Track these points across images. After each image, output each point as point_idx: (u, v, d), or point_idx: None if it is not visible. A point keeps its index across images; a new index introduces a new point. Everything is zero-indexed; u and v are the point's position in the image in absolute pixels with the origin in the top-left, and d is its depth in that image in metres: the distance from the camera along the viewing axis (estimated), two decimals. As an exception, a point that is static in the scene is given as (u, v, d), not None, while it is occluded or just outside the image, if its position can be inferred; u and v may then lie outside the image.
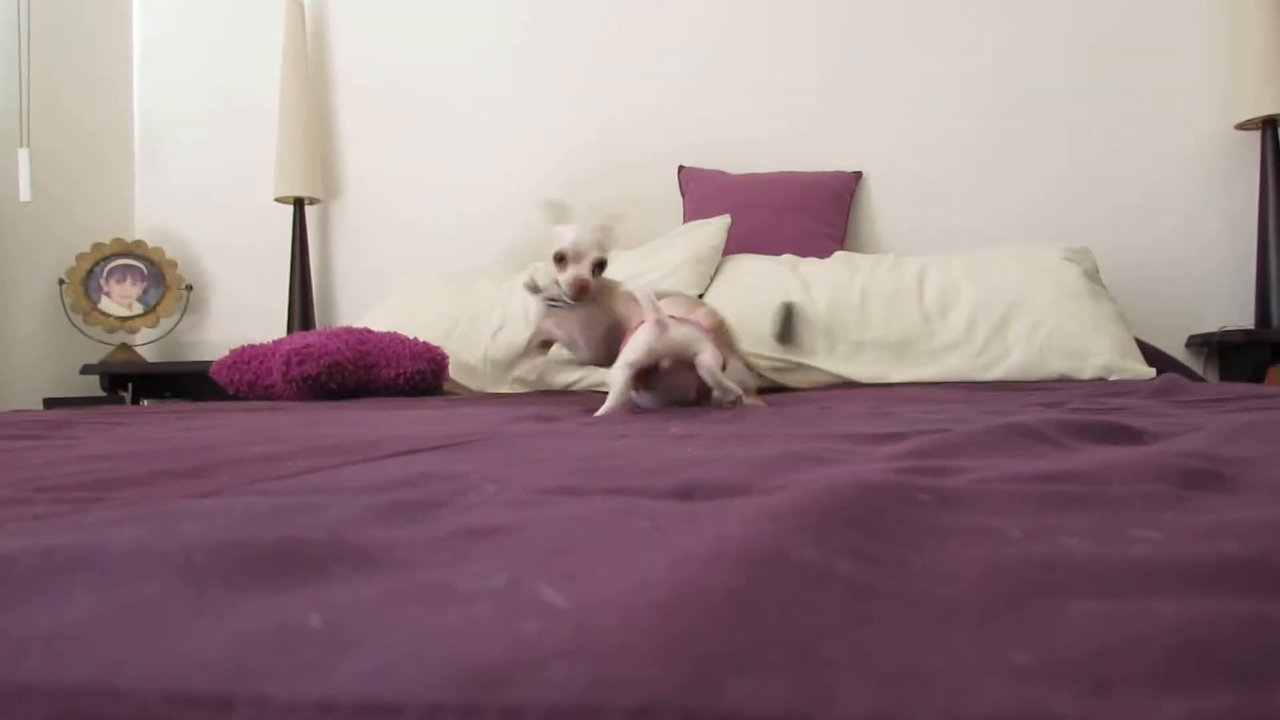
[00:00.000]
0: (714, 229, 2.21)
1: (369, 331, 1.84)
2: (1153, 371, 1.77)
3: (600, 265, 1.47)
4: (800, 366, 1.88)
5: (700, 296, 2.10)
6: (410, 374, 1.78)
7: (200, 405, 1.60)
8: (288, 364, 1.68)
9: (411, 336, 1.87)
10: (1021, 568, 0.25)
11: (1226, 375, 2.25)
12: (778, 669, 0.18)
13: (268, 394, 1.78)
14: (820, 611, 0.21)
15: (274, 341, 1.86)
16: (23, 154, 2.36)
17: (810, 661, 0.18)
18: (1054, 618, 0.22)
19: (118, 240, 2.65)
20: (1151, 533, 0.30)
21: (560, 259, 1.45)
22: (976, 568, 0.25)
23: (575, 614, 0.20)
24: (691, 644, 0.18)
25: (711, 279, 2.15)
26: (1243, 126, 2.25)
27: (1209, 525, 0.30)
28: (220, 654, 0.18)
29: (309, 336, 1.78)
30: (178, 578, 0.24)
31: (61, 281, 2.56)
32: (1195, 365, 2.27)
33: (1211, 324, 2.25)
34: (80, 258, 2.59)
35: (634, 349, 1.19)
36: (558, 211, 1.48)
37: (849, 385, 1.83)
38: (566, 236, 1.45)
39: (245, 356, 1.83)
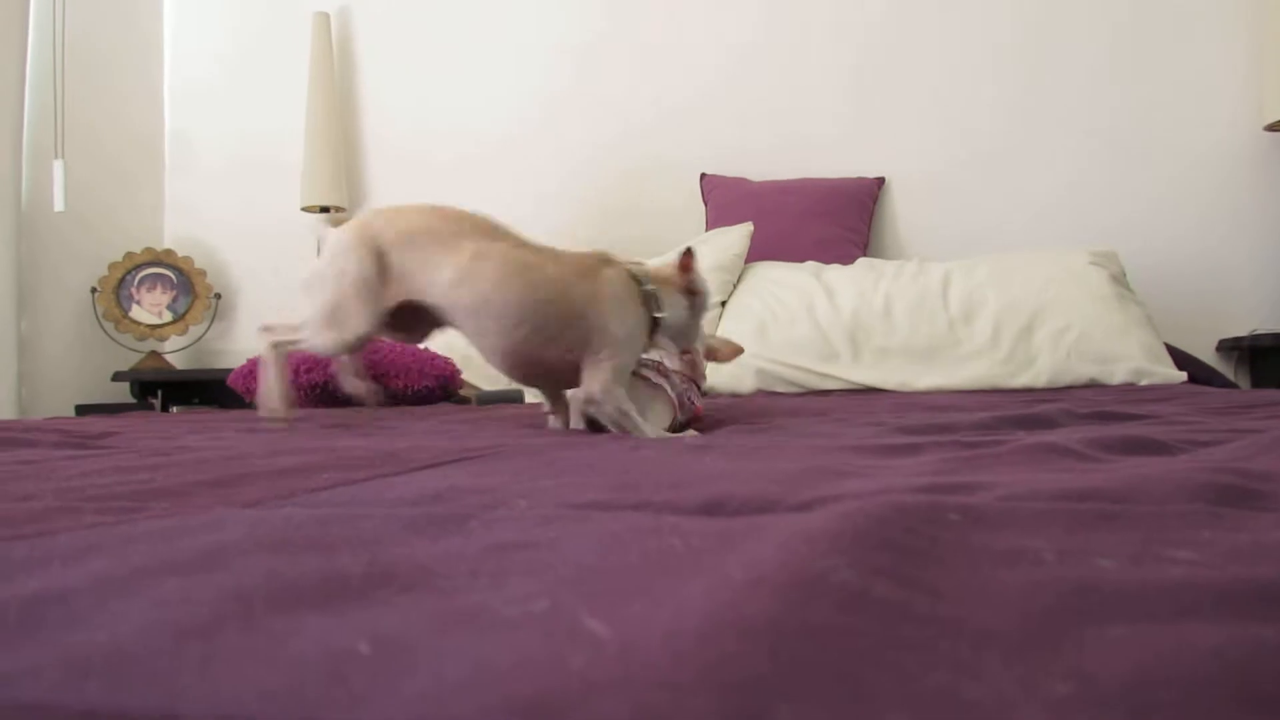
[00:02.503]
0: (737, 236, 2.21)
1: (382, 341, 1.85)
2: (1184, 376, 1.75)
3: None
4: (825, 375, 1.88)
5: (723, 304, 2.11)
6: (418, 388, 1.81)
7: (225, 414, 1.62)
8: (296, 372, 1.71)
9: (423, 348, 1.88)
10: (1056, 591, 0.25)
11: (1259, 379, 2.22)
12: (820, 697, 0.18)
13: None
14: (859, 636, 0.21)
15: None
16: (57, 166, 2.41)
17: (851, 688, 0.19)
18: (1090, 644, 0.22)
19: (148, 250, 2.69)
20: (1186, 553, 0.30)
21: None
22: (1011, 591, 0.25)
23: (619, 643, 0.20)
24: (734, 673, 0.18)
25: (735, 286, 2.15)
26: (1271, 128, 2.23)
27: (1245, 546, 0.30)
28: (277, 682, 0.19)
29: None
30: (228, 599, 0.25)
31: (94, 290, 2.61)
32: (1226, 370, 2.24)
33: (1243, 327, 2.22)
34: (112, 267, 2.63)
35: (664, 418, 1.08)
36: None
37: (872, 391, 1.82)
38: None
39: (261, 365, 1.86)
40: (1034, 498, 0.40)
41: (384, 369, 1.78)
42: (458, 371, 1.89)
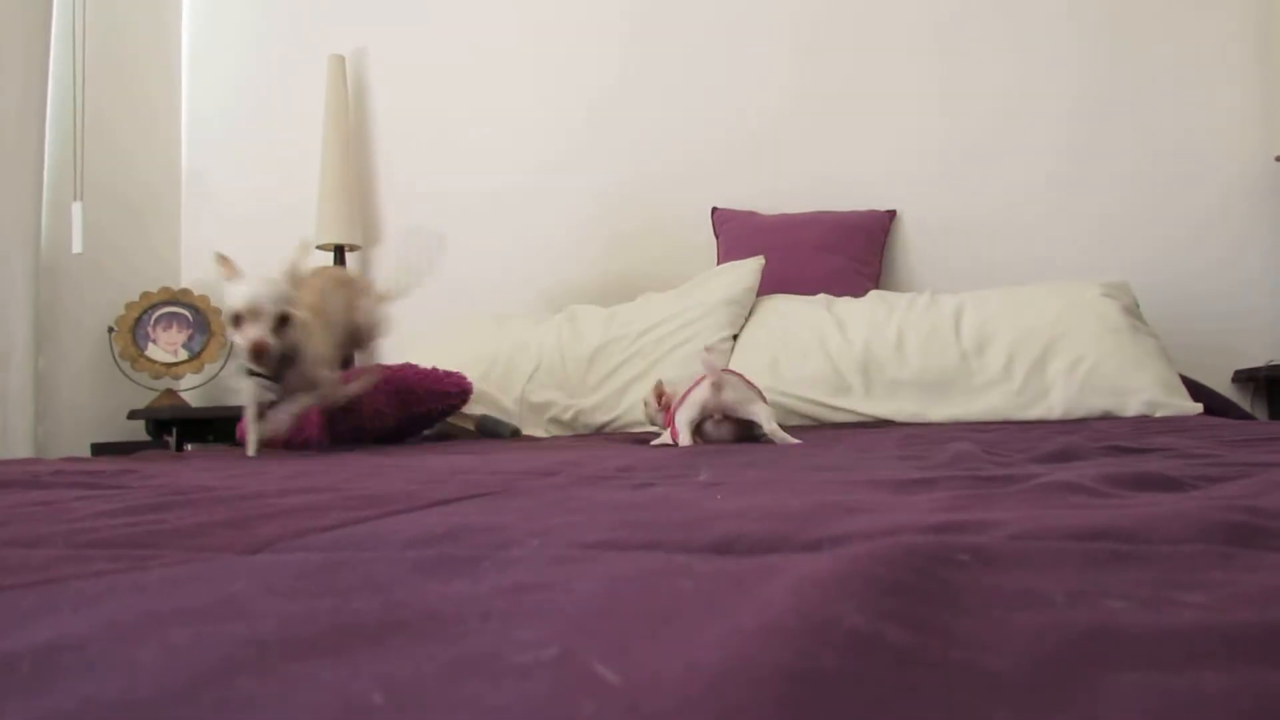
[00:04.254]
0: (748, 270, 2.22)
1: (409, 365, 1.90)
2: (1199, 408, 1.74)
3: (284, 320, 1.34)
4: (838, 408, 1.88)
5: (735, 338, 2.11)
6: (442, 408, 1.85)
7: (238, 451, 1.62)
8: (331, 416, 1.71)
9: (430, 366, 1.92)
10: (1068, 636, 0.25)
11: (1276, 410, 2.20)
12: (827, 748, 0.18)
13: (304, 442, 1.81)
14: (870, 684, 0.21)
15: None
16: (76, 207, 2.45)
17: (859, 739, 0.19)
18: (1102, 691, 0.22)
19: (165, 289, 2.73)
20: (1198, 596, 0.29)
21: (236, 320, 1.34)
22: (1022, 636, 0.25)
23: (629, 693, 0.20)
24: (743, 724, 0.18)
25: (746, 320, 2.15)
26: (1282, 158, 2.23)
27: (1257, 588, 0.30)
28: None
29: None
30: (242, 647, 0.25)
31: (111, 329, 2.63)
32: (1242, 401, 2.22)
33: (1259, 358, 2.21)
34: (129, 306, 2.66)
35: (690, 407, 1.37)
36: (228, 267, 1.36)
37: (885, 424, 1.82)
38: (239, 293, 1.32)
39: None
40: (1045, 536, 0.40)
41: (409, 390, 1.81)
42: (470, 385, 1.94)
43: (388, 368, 1.86)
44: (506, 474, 0.92)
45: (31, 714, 0.22)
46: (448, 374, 1.90)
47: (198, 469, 1.14)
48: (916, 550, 0.34)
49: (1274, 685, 0.21)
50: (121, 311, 2.65)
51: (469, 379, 1.94)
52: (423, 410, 1.82)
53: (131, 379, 2.64)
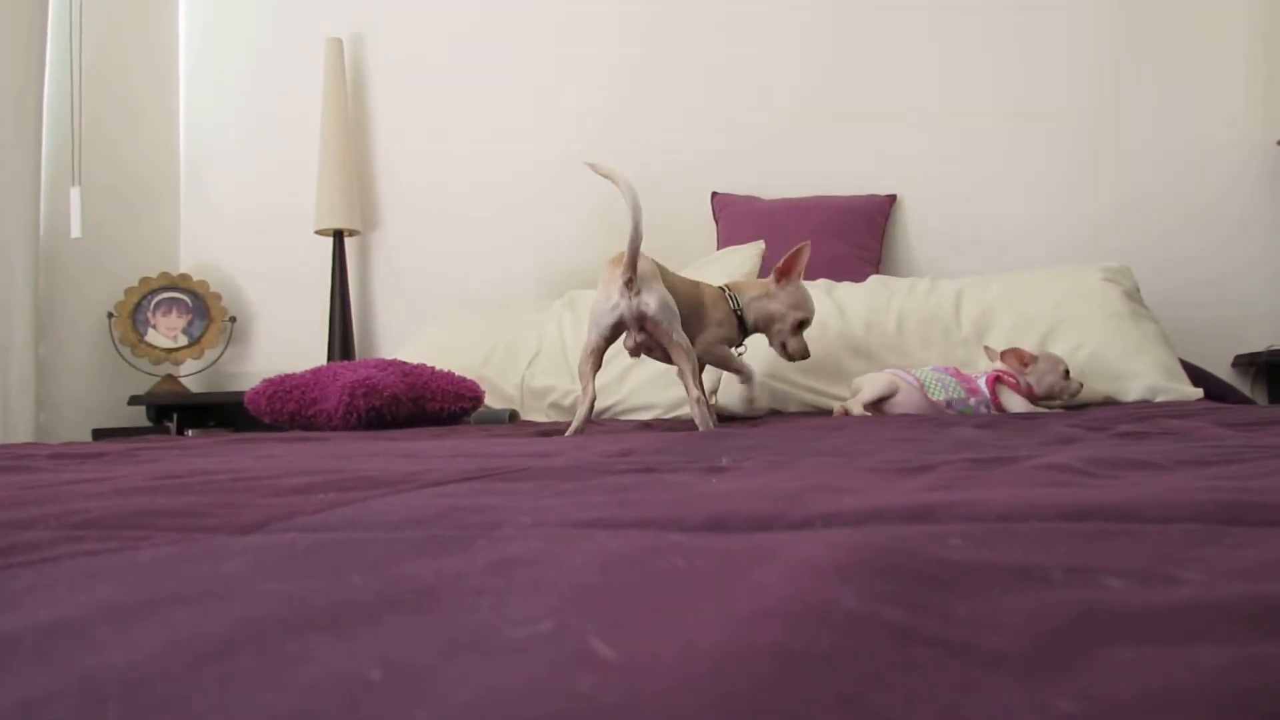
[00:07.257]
0: (748, 255, 2.22)
1: (405, 363, 1.89)
2: (1199, 393, 1.74)
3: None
4: (838, 396, 1.87)
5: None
6: (454, 409, 1.87)
7: (236, 436, 1.62)
8: (353, 395, 1.71)
9: (445, 369, 1.93)
10: (1066, 612, 0.25)
11: (1276, 395, 2.20)
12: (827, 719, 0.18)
13: (309, 424, 1.81)
14: (866, 659, 0.21)
15: (311, 371, 1.88)
16: (74, 193, 2.44)
17: (858, 711, 0.19)
18: (1100, 665, 0.22)
19: (164, 274, 2.73)
20: (1193, 572, 0.29)
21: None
22: (1020, 614, 0.25)
23: (626, 666, 0.20)
24: (742, 702, 0.18)
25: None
26: (1284, 142, 2.22)
27: (1250, 564, 0.30)
28: (292, 708, 0.19)
29: (359, 369, 1.82)
30: (239, 625, 0.25)
31: (110, 315, 2.63)
32: (1242, 386, 2.22)
33: (1259, 343, 2.21)
34: (128, 291, 2.66)
35: None
36: None
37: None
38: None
39: (286, 386, 1.85)
40: (1040, 516, 0.40)
41: (420, 391, 1.82)
42: (483, 393, 1.96)
43: (403, 364, 1.87)
44: (503, 457, 0.92)
45: (34, 689, 0.22)
46: (462, 379, 1.93)
47: (195, 453, 1.14)
48: (910, 532, 0.34)
49: (1270, 658, 0.21)
50: (121, 297, 2.65)
51: (480, 386, 1.98)
52: (435, 409, 1.84)
53: (132, 364, 2.65)
